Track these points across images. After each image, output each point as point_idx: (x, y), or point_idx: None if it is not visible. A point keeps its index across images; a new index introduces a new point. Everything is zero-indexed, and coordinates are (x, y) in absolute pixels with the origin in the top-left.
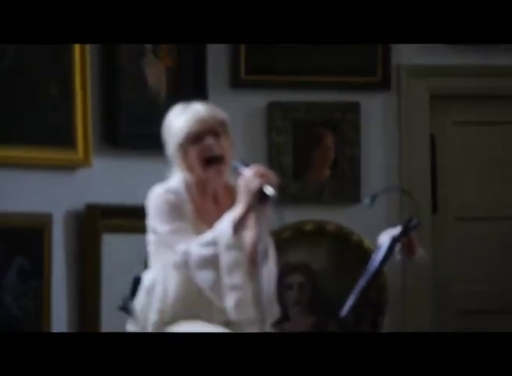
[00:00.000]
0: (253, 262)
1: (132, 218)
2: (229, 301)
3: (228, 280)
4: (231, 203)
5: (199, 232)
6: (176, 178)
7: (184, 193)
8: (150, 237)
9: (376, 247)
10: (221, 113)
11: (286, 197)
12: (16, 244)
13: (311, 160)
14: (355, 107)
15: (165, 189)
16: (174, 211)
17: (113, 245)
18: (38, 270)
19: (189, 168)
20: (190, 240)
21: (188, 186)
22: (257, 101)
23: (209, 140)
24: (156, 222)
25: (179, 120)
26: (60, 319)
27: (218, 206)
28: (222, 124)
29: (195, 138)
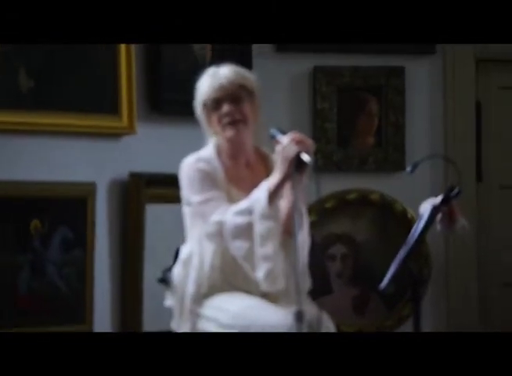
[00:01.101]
0: (287, 233)
1: (177, 188)
2: (260, 271)
3: (260, 250)
4: (264, 169)
5: (232, 198)
6: (208, 146)
7: (216, 161)
8: (185, 209)
9: (419, 216)
10: (244, 78)
11: (330, 164)
12: (60, 214)
13: (355, 126)
14: (399, 72)
15: (196, 158)
16: (206, 179)
17: (156, 215)
18: (81, 240)
19: (215, 132)
20: (224, 208)
21: (219, 152)
22: (302, 65)
23: (226, 107)
24: (189, 193)
25: (203, 85)
26: (102, 290)
27: (251, 172)
28: (245, 88)
29: (214, 104)
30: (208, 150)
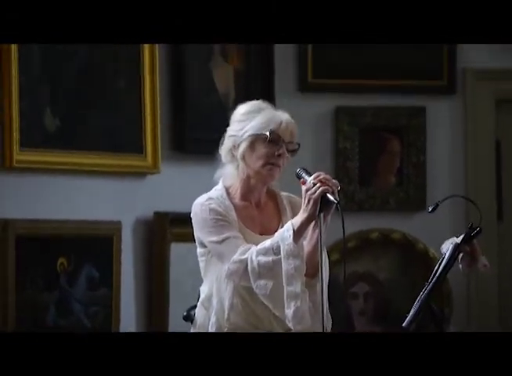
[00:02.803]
0: (310, 272)
1: None
2: (288, 309)
3: (288, 288)
4: (274, 208)
5: (246, 238)
6: (217, 187)
7: (227, 200)
8: (199, 250)
9: (440, 255)
10: (296, 130)
11: (352, 204)
12: (86, 252)
13: (377, 166)
14: (420, 112)
15: (207, 198)
16: (220, 219)
17: (181, 253)
18: (107, 278)
19: (247, 161)
20: (244, 247)
21: (229, 193)
22: (324, 105)
23: (283, 149)
24: (203, 234)
25: (265, 115)
26: (129, 328)
27: (261, 211)
28: (295, 143)
29: (273, 139)
30: (218, 190)
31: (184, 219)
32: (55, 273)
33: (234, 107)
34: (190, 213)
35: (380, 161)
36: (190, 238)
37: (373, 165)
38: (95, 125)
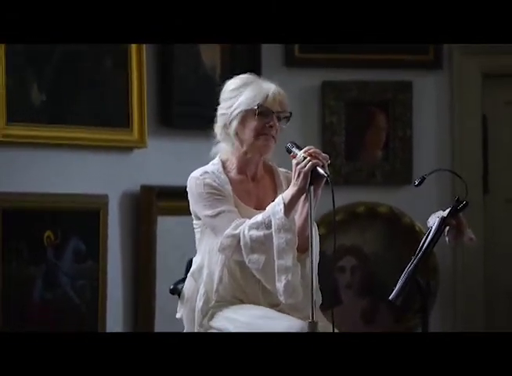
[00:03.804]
0: (302, 247)
1: (187, 200)
2: (279, 283)
3: (279, 262)
4: (270, 182)
5: (239, 212)
6: (214, 161)
7: (222, 174)
8: (195, 222)
9: (427, 228)
10: (287, 100)
11: (338, 177)
12: (73, 226)
13: (363, 140)
14: (407, 87)
15: (203, 172)
16: (215, 193)
17: (168, 227)
18: (94, 252)
19: (240, 136)
20: (238, 221)
21: (225, 167)
22: (311, 80)
23: (273, 121)
24: (198, 207)
25: (251, 89)
26: (115, 301)
27: (258, 186)
28: (286, 111)
29: (262, 112)
30: (215, 165)
31: (170, 193)
32: (42, 246)
33: (221, 83)
34: (176, 187)
35: (367, 136)
36: (177, 212)
37: (359, 140)
38: (81, 100)
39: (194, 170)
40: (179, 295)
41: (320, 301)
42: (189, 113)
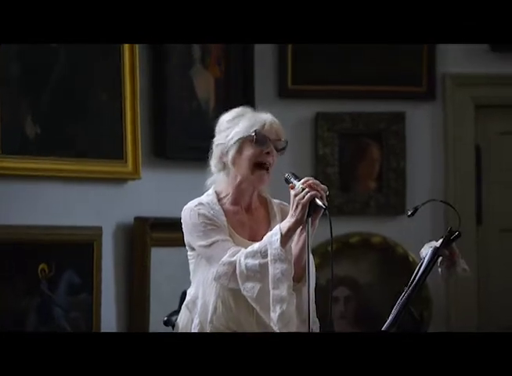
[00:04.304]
0: (298, 276)
1: (181, 231)
2: (274, 313)
3: (274, 292)
4: (265, 214)
5: (235, 242)
6: (208, 192)
7: (217, 205)
8: (189, 253)
9: (420, 259)
10: (282, 130)
11: (332, 209)
12: (67, 258)
13: (357, 171)
14: (400, 118)
15: (197, 203)
16: (209, 223)
17: (162, 258)
18: (88, 284)
19: (237, 166)
20: (234, 250)
21: (220, 198)
22: (304, 111)
23: (270, 147)
24: (193, 238)
25: (248, 118)
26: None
27: (252, 217)
28: (282, 140)
29: (259, 139)
30: (209, 195)
31: (164, 224)
32: (37, 279)
33: (214, 114)
34: (170, 218)
35: (360, 167)
36: (170, 243)
37: (353, 171)
38: (76, 132)
39: (187, 201)
40: (173, 327)
41: (318, 331)
42: (182, 144)
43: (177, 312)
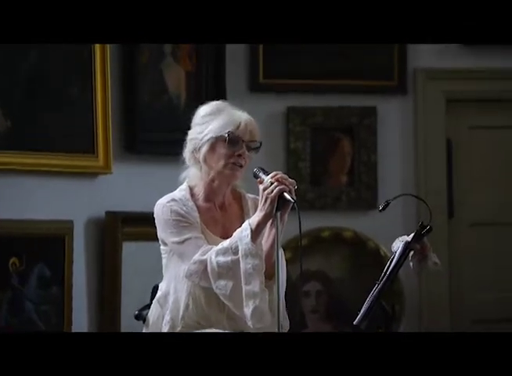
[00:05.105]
0: (269, 273)
1: (152, 226)
2: (247, 308)
3: (246, 287)
4: (238, 209)
5: (207, 240)
6: (181, 188)
7: (190, 201)
8: (162, 248)
9: (391, 253)
10: (257, 130)
11: (303, 203)
12: (38, 252)
13: (328, 165)
14: (371, 112)
15: (170, 199)
16: (181, 220)
17: (133, 253)
18: (59, 277)
19: (209, 163)
20: (205, 248)
21: (193, 194)
22: (276, 105)
23: (242, 149)
24: (165, 234)
25: (223, 117)
26: (80, 327)
27: (225, 213)
28: (256, 141)
29: (232, 140)
30: (182, 191)
31: (135, 219)
32: (7, 273)
33: (185, 108)
34: (141, 213)
35: (332, 161)
36: (141, 237)
37: (324, 165)
38: (46, 126)
39: (159, 195)
40: (144, 321)
41: (288, 327)
42: (153, 139)
43: (148, 306)
